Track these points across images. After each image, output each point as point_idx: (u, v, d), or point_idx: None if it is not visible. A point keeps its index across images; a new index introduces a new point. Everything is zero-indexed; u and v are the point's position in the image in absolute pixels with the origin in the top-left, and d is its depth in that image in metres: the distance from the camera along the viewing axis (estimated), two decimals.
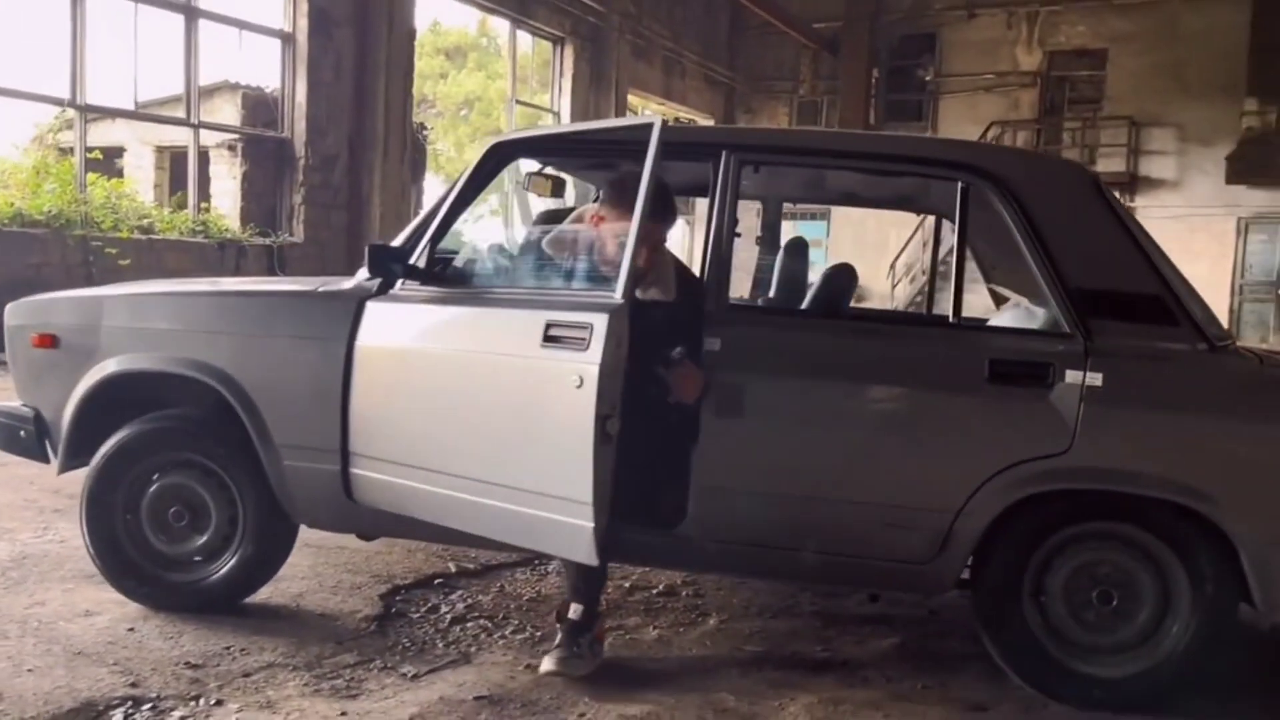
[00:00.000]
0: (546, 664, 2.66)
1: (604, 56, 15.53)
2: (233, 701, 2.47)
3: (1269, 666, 3.10)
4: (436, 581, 3.47)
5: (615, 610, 3.27)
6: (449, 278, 2.79)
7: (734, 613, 3.29)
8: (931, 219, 4.28)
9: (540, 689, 2.62)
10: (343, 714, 2.43)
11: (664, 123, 2.43)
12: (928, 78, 17.89)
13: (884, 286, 16.50)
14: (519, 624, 3.10)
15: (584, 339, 2.35)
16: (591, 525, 2.31)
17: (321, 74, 11.26)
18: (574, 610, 2.70)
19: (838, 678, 2.78)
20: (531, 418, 2.46)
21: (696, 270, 2.88)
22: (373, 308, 2.85)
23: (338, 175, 11.90)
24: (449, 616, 3.13)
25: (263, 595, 3.13)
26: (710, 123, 18.79)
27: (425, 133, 13.35)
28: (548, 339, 2.41)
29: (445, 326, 2.75)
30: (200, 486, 3.02)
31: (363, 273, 3.06)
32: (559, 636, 2.72)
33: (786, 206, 4.41)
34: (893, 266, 16.89)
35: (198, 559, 3.04)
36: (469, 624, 3.09)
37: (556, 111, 15.24)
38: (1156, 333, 2.57)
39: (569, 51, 15.15)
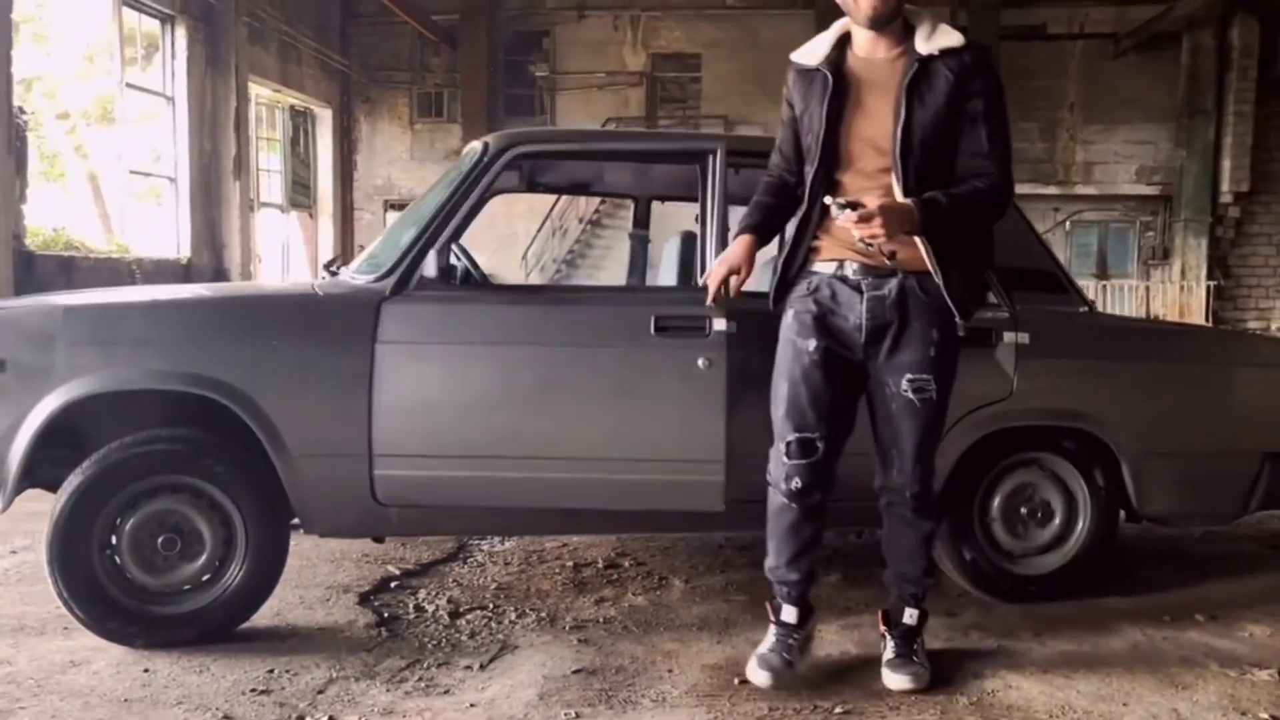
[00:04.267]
0: (898, 681, 2.55)
1: (220, 39, 14.51)
2: (346, 715, 2.40)
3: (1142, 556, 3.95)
4: (393, 585, 3.44)
5: (583, 587, 3.45)
6: (482, 281, 2.89)
7: (686, 574, 3.59)
8: None
9: (617, 656, 2.80)
10: (471, 705, 2.46)
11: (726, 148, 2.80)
12: (539, 74, 18.63)
13: (519, 275, 17.05)
14: (516, 610, 3.19)
15: (704, 328, 2.79)
16: (722, 479, 2.83)
17: None
18: (910, 615, 2.66)
19: (830, 612, 3.19)
20: (653, 395, 2.82)
21: (700, 265, 3.13)
22: (395, 309, 2.83)
23: None
24: (444, 613, 3.15)
25: None
26: (329, 112, 18.23)
27: (26, 118, 11.74)
28: (660, 329, 2.81)
29: (519, 323, 2.92)
30: (191, 510, 2.80)
31: (354, 274, 3.01)
32: (893, 644, 2.64)
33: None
34: (524, 257, 17.49)
35: (187, 588, 2.82)
36: (468, 617, 3.13)
37: (171, 97, 14.02)
38: (1057, 299, 3.27)
39: (181, 32, 13.99)
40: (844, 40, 2.57)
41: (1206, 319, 16.71)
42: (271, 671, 2.65)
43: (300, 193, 18.33)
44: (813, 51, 2.58)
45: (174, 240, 13.83)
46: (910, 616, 2.66)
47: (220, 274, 14.49)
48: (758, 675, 2.54)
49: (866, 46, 2.53)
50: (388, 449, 2.82)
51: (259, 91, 16.28)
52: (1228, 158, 17.01)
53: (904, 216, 2.38)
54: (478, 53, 18.05)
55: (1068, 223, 18.46)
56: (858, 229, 2.36)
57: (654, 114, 18.51)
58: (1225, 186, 17.18)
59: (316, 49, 17.33)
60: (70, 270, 11.21)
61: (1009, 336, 3.13)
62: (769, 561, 2.65)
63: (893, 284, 2.50)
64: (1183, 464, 3.29)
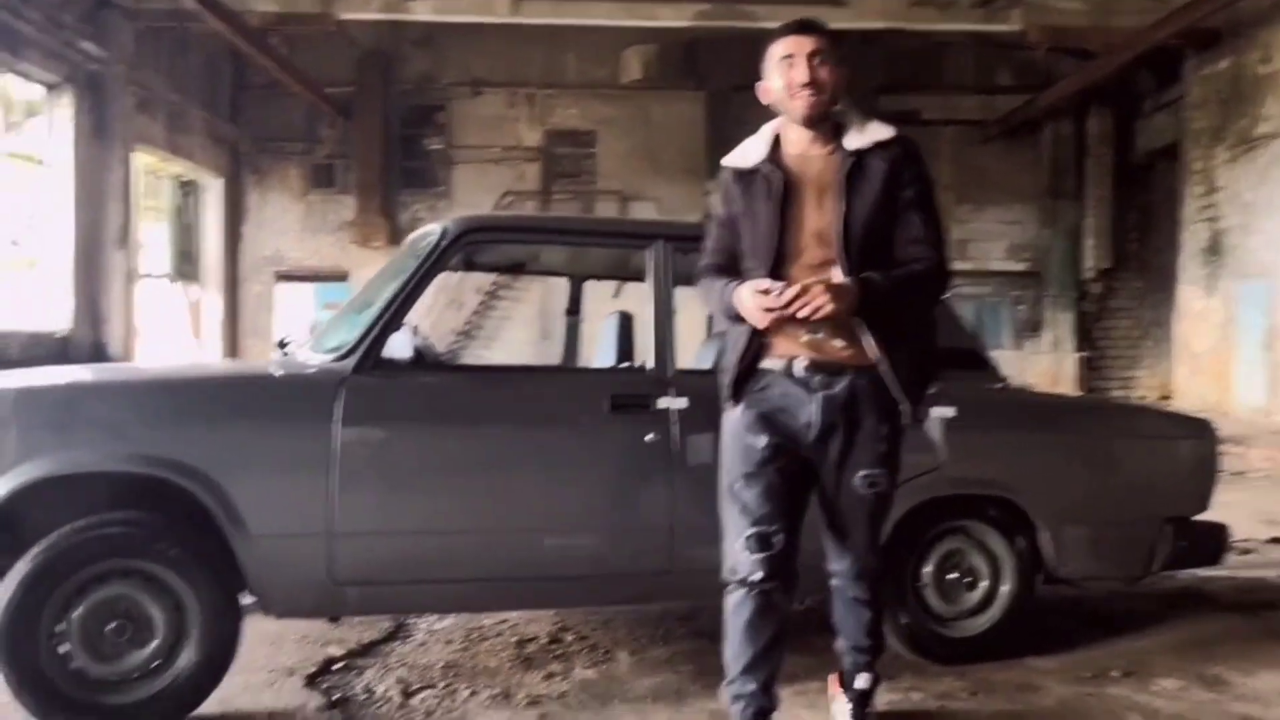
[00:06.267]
0: None
1: (106, 107, 14.20)
2: None
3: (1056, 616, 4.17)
4: (336, 666, 3.41)
5: (529, 662, 3.48)
6: (445, 361, 2.95)
7: (630, 647, 3.64)
8: None
9: None
10: None
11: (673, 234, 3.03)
12: (433, 147, 18.75)
13: None
14: (468, 688, 3.20)
15: (649, 404, 2.93)
16: (668, 540, 3.08)
17: None
18: (863, 680, 2.76)
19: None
20: (607, 467, 3.00)
21: (644, 343, 3.27)
22: (356, 389, 2.87)
23: None
24: (395, 694, 3.14)
25: None
26: (218, 181, 17.93)
27: None
28: (615, 407, 2.95)
29: (480, 402, 3.04)
30: (142, 595, 2.75)
31: (306, 354, 3.04)
32: (848, 709, 2.77)
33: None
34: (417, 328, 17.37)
35: (137, 676, 2.76)
36: (420, 696, 3.13)
37: (52, 165, 13.61)
38: (977, 376, 3.51)
39: (67, 100, 13.66)
40: (775, 141, 2.64)
41: (1078, 389, 17.64)
42: None
43: (186, 264, 17.90)
44: (747, 154, 2.65)
45: (51, 313, 13.33)
46: (864, 681, 2.77)
47: (100, 348, 14.00)
48: None
49: (800, 144, 2.61)
50: (348, 528, 2.84)
51: (145, 160, 15.94)
52: (1090, 237, 18.18)
53: (844, 291, 2.44)
54: (372, 125, 18.07)
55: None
56: (803, 307, 2.39)
57: (549, 189, 18.77)
58: (1088, 264, 18.33)
59: (206, 118, 17.10)
60: None
61: (937, 411, 3.33)
62: (725, 682, 2.59)
63: (842, 384, 2.54)
64: (1094, 529, 3.53)
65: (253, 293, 18.55)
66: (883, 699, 3.04)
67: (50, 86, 13.49)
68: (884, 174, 2.55)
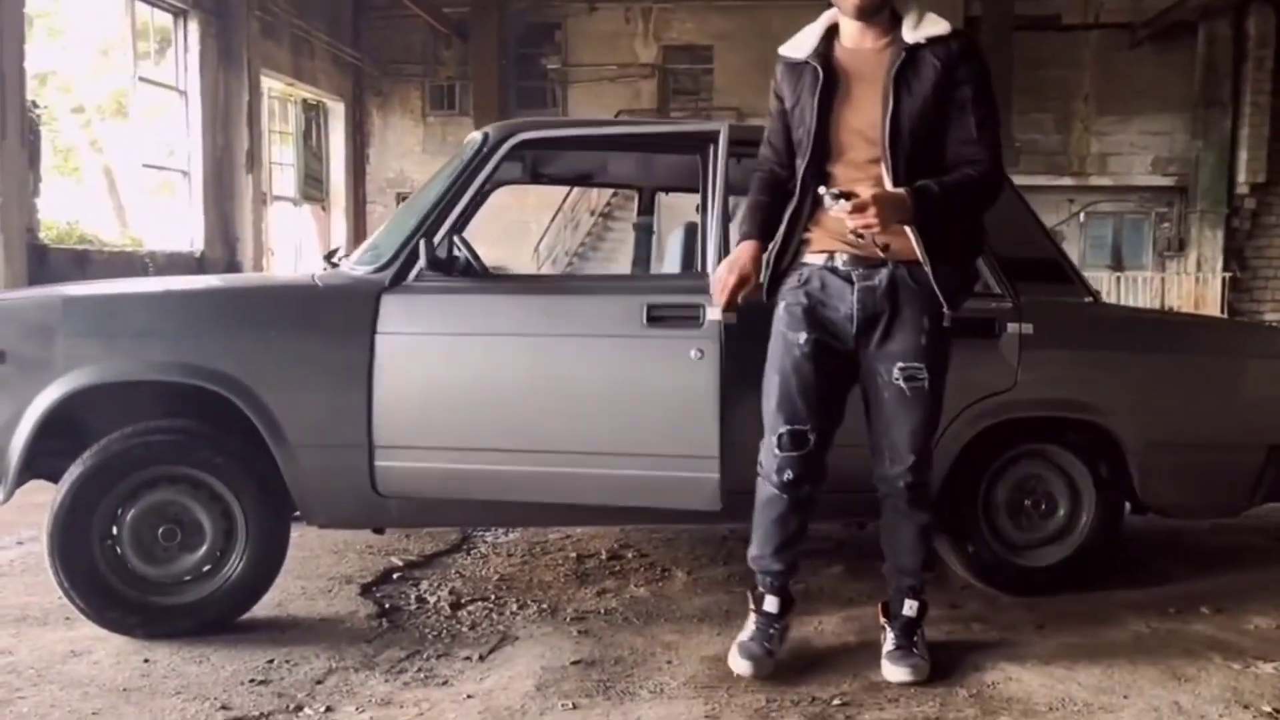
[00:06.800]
0: (897, 673, 2.54)
1: (233, 33, 14.55)
2: (344, 706, 2.40)
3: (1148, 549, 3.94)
4: (395, 576, 3.45)
5: (585, 578, 3.45)
6: (481, 270, 2.85)
7: (688, 566, 3.59)
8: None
9: (616, 647, 2.79)
10: (469, 696, 2.46)
11: (727, 137, 2.84)
12: (551, 66, 18.63)
13: (530, 267, 17.06)
14: (518, 601, 3.19)
15: (697, 318, 2.75)
16: (718, 476, 2.72)
17: None
18: (909, 607, 2.64)
19: (832, 603, 3.20)
20: (645, 389, 2.77)
21: (701, 254, 3.13)
22: (394, 300, 2.83)
23: None
24: (445, 604, 3.15)
25: None
26: (341, 105, 18.26)
27: (39, 112, 11.81)
28: (652, 319, 2.77)
29: (515, 314, 2.89)
30: (191, 501, 2.81)
31: (354, 265, 3.01)
32: (892, 636, 2.64)
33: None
34: (536, 249, 17.51)
35: (188, 579, 2.83)
36: (469, 608, 3.13)
37: (184, 90, 14.07)
38: (1060, 290, 3.24)
39: (194, 26, 14.04)
40: (831, 31, 2.56)
41: (1222, 311, 16.60)
42: (271, 662, 2.66)
43: (313, 186, 18.38)
44: (800, 44, 2.58)
45: (187, 234, 13.90)
46: (910, 608, 2.65)
47: (233, 267, 14.55)
48: (739, 664, 2.55)
49: (854, 37, 2.53)
50: (387, 440, 2.82)
51: (271, 85, 16.32)
52: (1244, 149, 16.88)
53: (898, 205, 2.37)
54: (489, 45, 18.04)
55: (1082, 214, 18.33)
56: (852, 219, 2.35)
57: (666, 106, 18.45)
58: (1242, 178, 17.05)
59: (329, 42, 17.36)
60: (84, 264, 11.28)
61: (1012, 327, 3.10)
62: (753, 550, 2.66)
63: (883, 274, 2.50)
64: (1187, 456, 3.26)
65: (377, 214, 18.94)
66: (941, 629, 2.90)
67: (177, 13, 13.88)
68: (938, 71, 2.45)
